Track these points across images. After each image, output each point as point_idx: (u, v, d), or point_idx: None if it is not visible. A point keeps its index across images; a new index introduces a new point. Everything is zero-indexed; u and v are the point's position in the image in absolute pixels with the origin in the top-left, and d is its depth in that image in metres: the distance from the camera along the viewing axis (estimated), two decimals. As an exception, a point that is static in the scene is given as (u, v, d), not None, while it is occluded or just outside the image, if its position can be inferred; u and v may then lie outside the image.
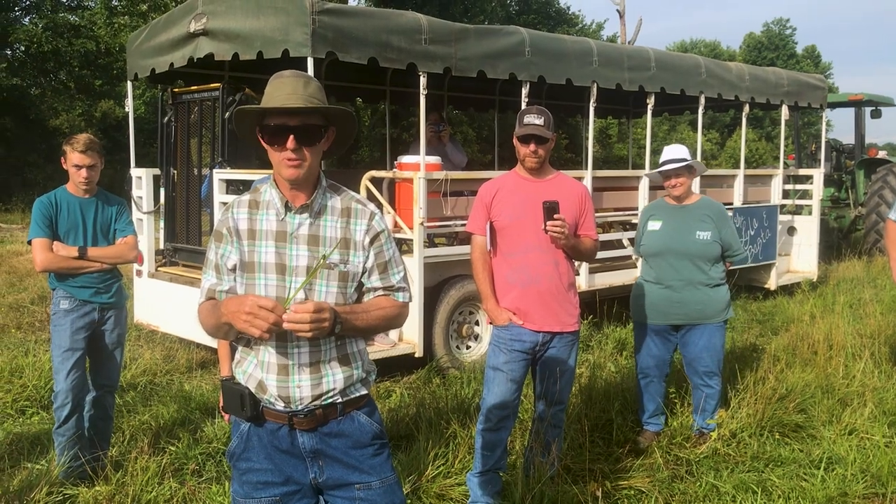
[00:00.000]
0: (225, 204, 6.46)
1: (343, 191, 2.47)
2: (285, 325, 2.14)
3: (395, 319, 2.48)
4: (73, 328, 4.29)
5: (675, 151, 4.94)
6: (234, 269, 2.40)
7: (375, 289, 2.45)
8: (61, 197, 4.33)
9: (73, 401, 4.28)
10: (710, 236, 4.85)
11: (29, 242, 4.27)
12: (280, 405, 2.37)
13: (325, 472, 2.41)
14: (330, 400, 2.38)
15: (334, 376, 2.38)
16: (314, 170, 2.37)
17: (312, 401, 2.36)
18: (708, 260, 4.87)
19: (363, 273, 2.44)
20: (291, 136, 2.28)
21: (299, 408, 2.36)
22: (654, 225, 5.02)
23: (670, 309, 4.92)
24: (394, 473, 2.50)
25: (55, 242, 4.23)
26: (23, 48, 22.75)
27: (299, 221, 2.37)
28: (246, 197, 2.45)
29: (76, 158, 4.25)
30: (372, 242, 2.42)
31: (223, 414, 3.58)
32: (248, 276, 2.36)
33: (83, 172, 4.27)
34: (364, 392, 2.46)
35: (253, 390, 2.38)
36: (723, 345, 5.03)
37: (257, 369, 2.39)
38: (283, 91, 2.30)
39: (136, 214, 7.46)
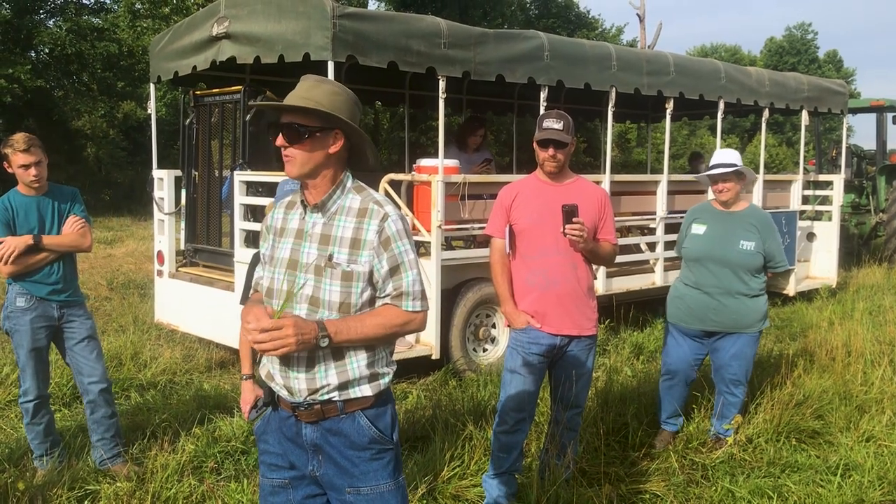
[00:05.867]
0: (245, 206, 6.54)
1: (366, 192, 2.47)
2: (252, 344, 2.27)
3: (402, 328, 2.43)
4: (32, 326, 4.33)
5: (725, 156, 4.84)
6: None
7: (383, 297, 2.42)
8: (16, 200, 4.31)
9: (40, 395, 4.40)
10: (754, 247, 4.76)
11: None
12: (285, 394, 2.44)
13: (323, 467, 2.44)
14: (327, 396, 2.39)
15: (327, 372, 2.37)
16: (315, 169, 2.40)
17: (309, 395, 2.39)
18: (749, 270, 4.79)
19: (375, 278, 2.40)
20: (280, 134, 2.39)
21: (299, 400, 2.41)
22: (698, 229, 4.95)
23: (706, 315, 4.86)
24: (390, 481, 2.44)
25: (8, 237, 4.21)
26: (47, 50, 22.99)
27: (314, 220, 2.44)
28: (287, 198, 2.56)
29: (21, 159, 4.20)
30: (384, 246, 2.38)
31: (244, 411, 3.65)
32: (269, 269, 2.49)
33: (32, 171, 4.24)
34: (369, 393, 2.41)
35: (264, 377, 2.50)
36: (753, 355, 4.98)
37: (266, 359, 2.48)
38: (291, 93, 2.42)
39: (157, 215, 7.56)
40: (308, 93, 2.38)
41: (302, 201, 2.45)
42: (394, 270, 2.40)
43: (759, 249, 4.77)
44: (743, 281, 4.80)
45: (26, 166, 4.23)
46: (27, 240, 4.24)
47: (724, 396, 4.98)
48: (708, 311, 4.86)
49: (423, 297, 2.47)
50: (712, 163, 4.87)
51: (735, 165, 4.77)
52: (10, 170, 4.28)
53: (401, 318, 2.42)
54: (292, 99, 2.38)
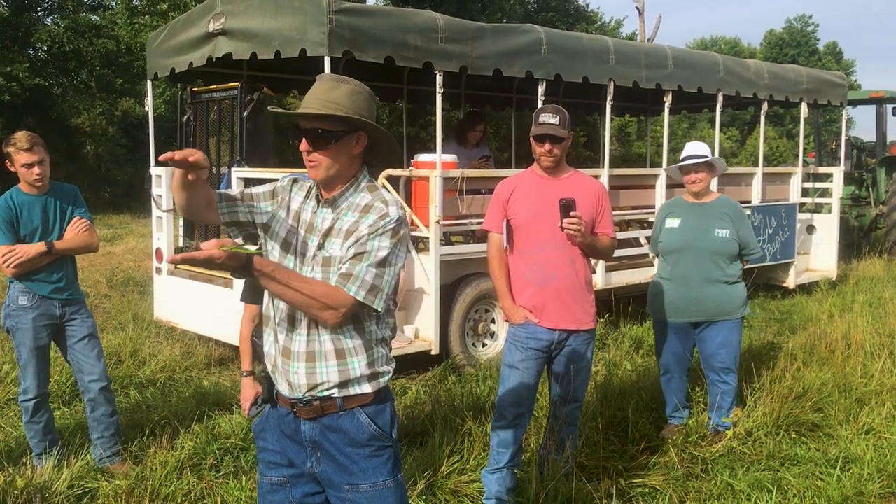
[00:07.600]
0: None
1: (378, 192, 2.44)
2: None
3: (321, 304, 2.25)
4: (35, 325, 4.33)
5: (695, 148, 4.97)
6: (253, 223, 2.47)
7: (334, 273, 2.33)
8: (19, 199, 4.28)
9: (40, 393, 4.41)
10: (729, 234, 4.88)
11: None
12: (285, 388, 2.43)
13: (322, 464, 2.44)
14: (326, 393, 2.39)
15: (327, 368, 2.38)
16: (339, 171, 2.39)
17: (309, 390, 2.39)
18: (726, 257, 4.89)
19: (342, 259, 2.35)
20: (304, 139, 2.36)
21: (299, 395, 2.40)
22: (672, 222, 5.05)
23: (688, 306, 4.94)
24: (389, 479, 2.43)
25: (19, 246, 4.21)
26: (45, 48, 22.91)
27: (324, 215, 2.43)
28: (306, 183, 2.52)
29: (24, 157, 4.18)
30: (369, 235, 2.32)
31: (244, 408, 3.66)
32: (282, 253, 2.46)
33: (35, 169, 4.21)
34: (369, 390, 2.41)
35: (269, 369, 2.49)
36: (739, 341, 5.04)
37: (272, 348, 2.47)
38: (309, 94, 2.37)
39: (155, 212, 7.55)
40: (328, 95, 2.33)
41: (317, 196, 2.45)
42: (361, 255, 2.31)
43: (733, 236, 4.89)
44: (720, 268, 4.89)
45: (29, 165, 4.21)
46: (40, 248, 4.24)
47: (717, 386, 5.02)
48: (688, 303, 4.93)
49: (373, 292, 2.31)
50: (684, 155, 4.99)
51: (706, 157, 4.89)
52: (12, 168, 4.27)
53: (332, 292, 2.27)
54: (313, 103, 2.33)
